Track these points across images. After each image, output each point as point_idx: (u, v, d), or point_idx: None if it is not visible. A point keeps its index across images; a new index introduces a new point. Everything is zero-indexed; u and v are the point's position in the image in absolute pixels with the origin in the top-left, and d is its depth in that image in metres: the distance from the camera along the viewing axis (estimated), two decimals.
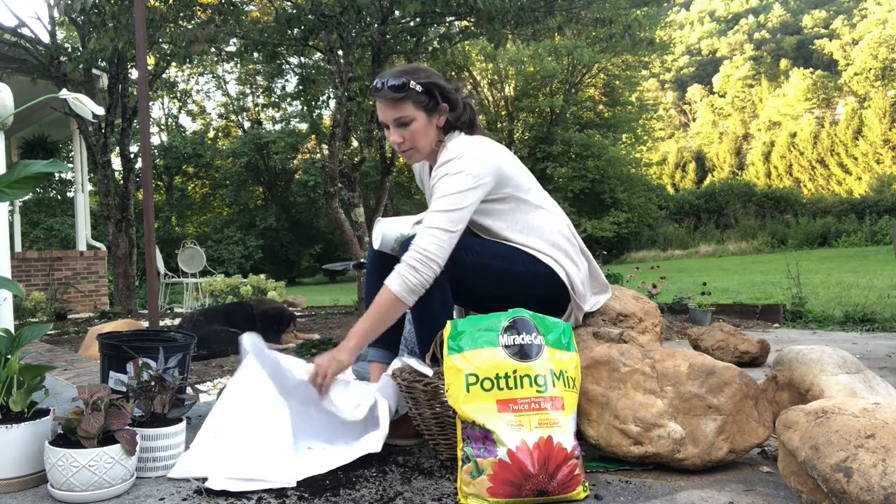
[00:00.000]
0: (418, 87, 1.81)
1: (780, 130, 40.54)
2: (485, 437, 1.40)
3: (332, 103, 8.83)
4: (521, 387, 1.42)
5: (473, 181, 1.77)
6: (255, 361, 1.71)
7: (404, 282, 1.69)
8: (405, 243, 1.78)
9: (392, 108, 1.82)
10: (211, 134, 25.92)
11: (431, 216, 1.75)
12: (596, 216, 21.75)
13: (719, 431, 1.58)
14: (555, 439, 1.39)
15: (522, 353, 1.46)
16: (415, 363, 1.70)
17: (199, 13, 6.53)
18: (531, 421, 1.40)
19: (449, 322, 1.53)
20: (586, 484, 1.43)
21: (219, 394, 2.14)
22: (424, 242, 1.71)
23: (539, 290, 1.90)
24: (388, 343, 1.97)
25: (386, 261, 1.86)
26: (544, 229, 1.92)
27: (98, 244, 8.50)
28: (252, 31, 6.68)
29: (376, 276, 1.91)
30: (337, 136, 6.31)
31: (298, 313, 6.64)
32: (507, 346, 1.46)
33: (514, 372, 1.43)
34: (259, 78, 23.13)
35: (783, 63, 48.30)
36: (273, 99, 24.19)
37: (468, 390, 1.42)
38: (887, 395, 1.68)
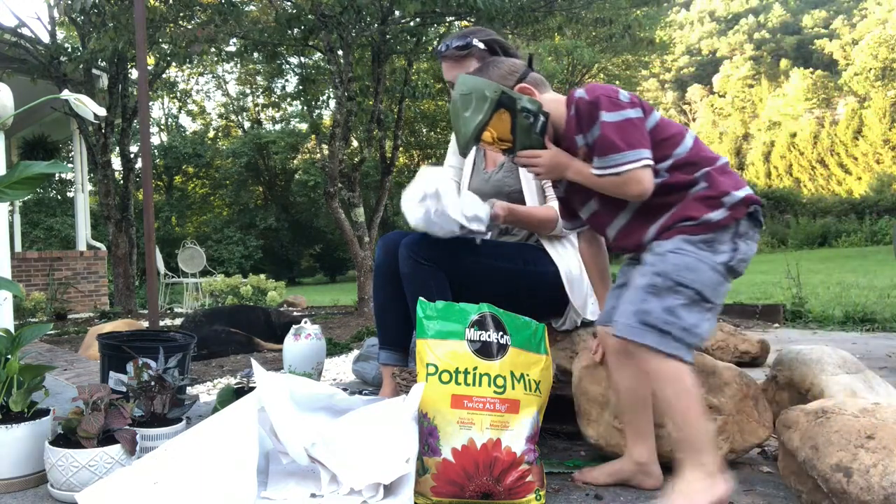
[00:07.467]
0: (481, 45, 1.90)
1: (780, 130, 40.52)
2: (430, 434, 1.38)
3: (332, 103, 8.83)
4: (480, 385, 1.40)
5: None
6: (256, 399, 1.36)
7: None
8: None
9: (458, 66, 1.92)
10: (211, 134, 25.86)
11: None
12: None
13: (719, 431, 1.58)
14: (504, 443, 1.37)
15: (485, 350, 1.43)
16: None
17: (199, 13, 6.53)
18: (483, 421, 1.38)
19: (420, 300, 1.51)
20: (541, 493, 1.40)
21: (217, 401, 1.93)
22: None
23: (539, 290, 1.89)
24: (399, 346, 1.98)
25: (394, 266, 1.85)
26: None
27: (98, 244, 8.49)
28: (252, 31, 6.68)
29: (384, 279, 1.92)
30: (337, 136, 6.32)
31: (298, 313, 6.65)
32: (471, 341, 1.44)
33: (475, 369, 1.41)
34: (259, 78, 23.05)
35: (783, 63, 48.27)
36: (273, 99, 24.12)
37: (426, 380, 1.40)
38: (887, 395, 1.68)
